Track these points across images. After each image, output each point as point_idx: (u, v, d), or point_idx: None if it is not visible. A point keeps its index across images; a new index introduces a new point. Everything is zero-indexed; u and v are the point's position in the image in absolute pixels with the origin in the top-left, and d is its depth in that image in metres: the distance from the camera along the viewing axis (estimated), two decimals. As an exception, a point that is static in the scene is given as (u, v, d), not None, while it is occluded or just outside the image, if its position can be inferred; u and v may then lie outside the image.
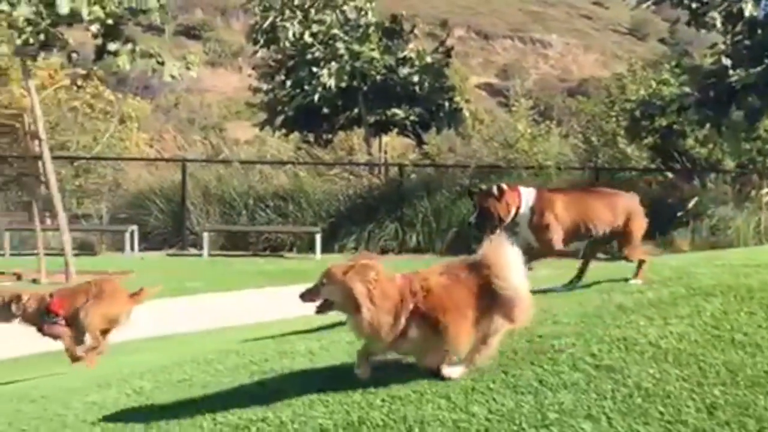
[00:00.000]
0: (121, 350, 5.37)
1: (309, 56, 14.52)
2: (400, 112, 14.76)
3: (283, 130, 16.11)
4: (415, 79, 15.09)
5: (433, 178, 14.10)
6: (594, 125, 18.03)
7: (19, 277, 10.60)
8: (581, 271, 4.48)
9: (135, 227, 13.06)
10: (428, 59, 15.65)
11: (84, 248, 12.97)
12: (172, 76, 11.10)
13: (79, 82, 17.48)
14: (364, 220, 13.22)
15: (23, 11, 9.18)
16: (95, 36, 10.30)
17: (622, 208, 4.34)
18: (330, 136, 16.45)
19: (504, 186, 4.30)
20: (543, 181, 13.03)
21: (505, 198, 4.25)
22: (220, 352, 4.12)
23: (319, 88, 14.30)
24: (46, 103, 15.31)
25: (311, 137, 16.23)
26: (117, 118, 17.45)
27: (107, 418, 3.14)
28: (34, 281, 10.45)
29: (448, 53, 16.04)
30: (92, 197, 15.69)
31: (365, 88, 14.98)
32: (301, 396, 2.95)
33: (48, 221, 12.53)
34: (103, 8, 9.77)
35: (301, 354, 3.65)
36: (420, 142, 16.39)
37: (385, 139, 16.69)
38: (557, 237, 4.26)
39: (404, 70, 15.20)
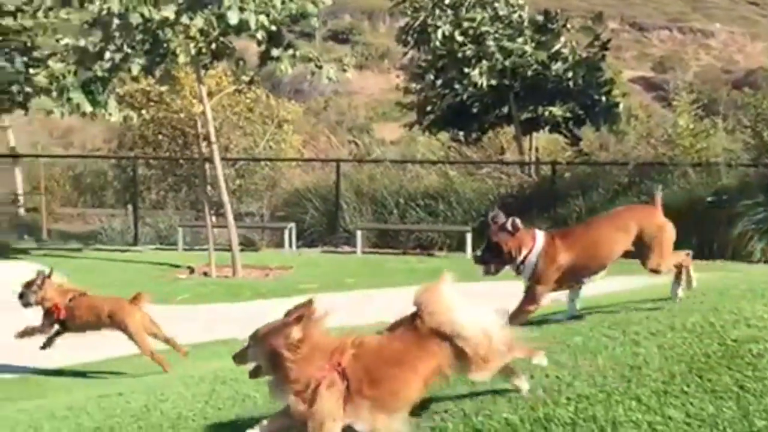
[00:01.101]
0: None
1: (459, 55, 14.50)
2: (555, 109, 14.38)
3: (433, 130, 16.23)
4: (569, 74, 14.66)
5: (590, 176, 13.62)
6: (765, 119, 16.66)
7: (192, 271, 11.40)
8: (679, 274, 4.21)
9: (293, 225, 13.65)
10: (582, 53, 15.16)
11: (246, 244, 13.70)
12: (329, 78, 11.50)
13: (241, 88, 18.50)
14: (515, 219, 13.01)
15: (198, 22, 9.88)
16: (259, 43, 10.88)
17: (633, 224, 4.10)
18: (479, 134, 16.35)
19: (518, 222, 4.09)
20: (712, 180, 12.25)
21: (519, 236, 4.05)
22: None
23: (470, 88, 14.25)
24: (213, 108, 16.39)
25: (461, 136, 16.21)
26: (276, 122, 18.30)
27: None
28: (205, 274, 11.20)
29: (604, 47, 15.44)
30: (252, 196, 16.58)
31: (516, 85, 14.75)
32: (482, 389, 2.95)
33: (213, 219, 13.37)
34: (268, 16, 10.29)
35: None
36: (575, 140, 15.89)
37: (537, 137, 16.36)
38: (542, 293, 4.04)
39: (557, 66, 14.80)
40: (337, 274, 10.94)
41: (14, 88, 12.91)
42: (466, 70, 14.39)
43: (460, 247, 12.74)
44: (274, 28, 10.43)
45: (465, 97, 14.55)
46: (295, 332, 2.50)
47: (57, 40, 13.06)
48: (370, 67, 51.15)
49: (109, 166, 18.92)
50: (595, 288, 4.56)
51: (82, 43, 11.40)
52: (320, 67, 11.18)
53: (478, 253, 4.18)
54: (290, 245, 13.45)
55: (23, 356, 6.42)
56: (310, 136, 26.07)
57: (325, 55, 13.58)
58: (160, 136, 17.84)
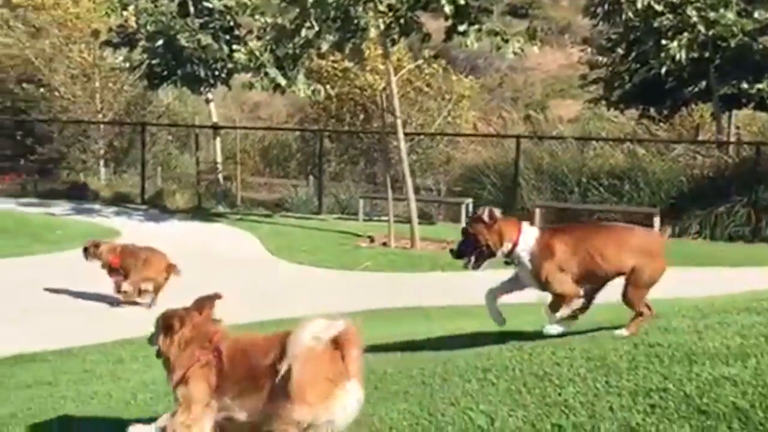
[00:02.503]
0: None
1: (656, 26, 13.58)
2: (762, 85, 13.09)
3: (620, 106, 15.41)
4: (780, 46, 13.25)
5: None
6: None
7: (372, 240, 11.79)
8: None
9: (470, 200, 13.65)
10: (796, 23, 13.62)
11: (422, 217, 13.89)
12: (515, 53, 11.27)
13: (421, 64, 18.66)
14: (710, 203, 12.10)
15: (390, -2, 10.08)
16: (447, 17, 10.87)
17: (635, 245, 3.65)
18: (671, 111, 15.29)
19: (497, 212, 3.80)
20: None
21: (498, 227, 3.75)
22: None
23: (667, 61, 13.32)
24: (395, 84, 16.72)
25: (652, 112, 15.25)
26: (454, 98, 18.32)
27: (492, 367, 3.34)
28: (384, 245, 11.53)
29: (825, 16, 13.76)
30: (429, 170, 16.77)
31: (717, 58, 13.58)
32: (701, 372, 2.79)
33: (390, 191, 13.67)
34: (457, -11, 10.25)
35: (683, 330, 3.47)
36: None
37: (736, 114, 15.03)
38: (566, 285, 3.64)
39: (765, 38, 13.42)
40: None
41: (219, 65, 13.99)
42: (663, 42, 13.46)
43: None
44: (462, 2, 10.38)
45: (662, 71, 13.60)
46: (177, 322, 2.70)
47: (255, 19, 13.96)
48: (549, 42, 49.50)
49: (293, 139, 19.96)
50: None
51: (279, 20, 12.06)
52: (507, 41, 10.99)
53: (454, 247, 3.95)
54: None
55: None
56: (484, 112, 25.84)
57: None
58: (342, 110, 18.55)
